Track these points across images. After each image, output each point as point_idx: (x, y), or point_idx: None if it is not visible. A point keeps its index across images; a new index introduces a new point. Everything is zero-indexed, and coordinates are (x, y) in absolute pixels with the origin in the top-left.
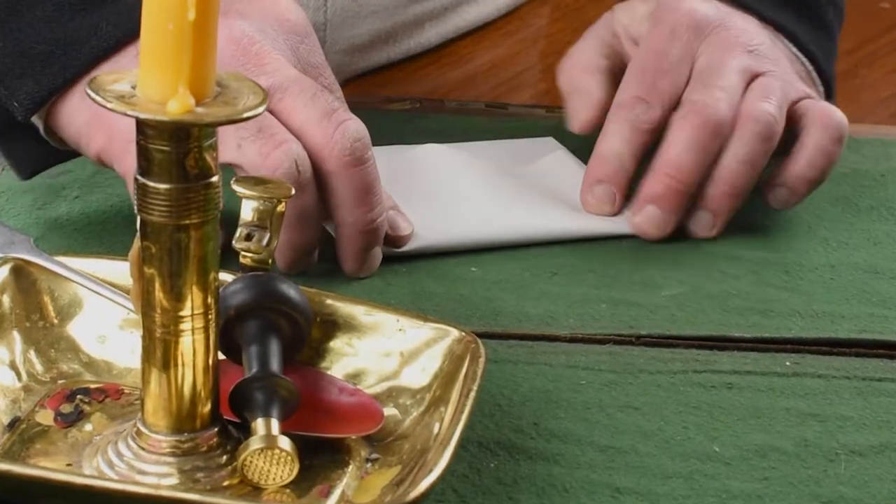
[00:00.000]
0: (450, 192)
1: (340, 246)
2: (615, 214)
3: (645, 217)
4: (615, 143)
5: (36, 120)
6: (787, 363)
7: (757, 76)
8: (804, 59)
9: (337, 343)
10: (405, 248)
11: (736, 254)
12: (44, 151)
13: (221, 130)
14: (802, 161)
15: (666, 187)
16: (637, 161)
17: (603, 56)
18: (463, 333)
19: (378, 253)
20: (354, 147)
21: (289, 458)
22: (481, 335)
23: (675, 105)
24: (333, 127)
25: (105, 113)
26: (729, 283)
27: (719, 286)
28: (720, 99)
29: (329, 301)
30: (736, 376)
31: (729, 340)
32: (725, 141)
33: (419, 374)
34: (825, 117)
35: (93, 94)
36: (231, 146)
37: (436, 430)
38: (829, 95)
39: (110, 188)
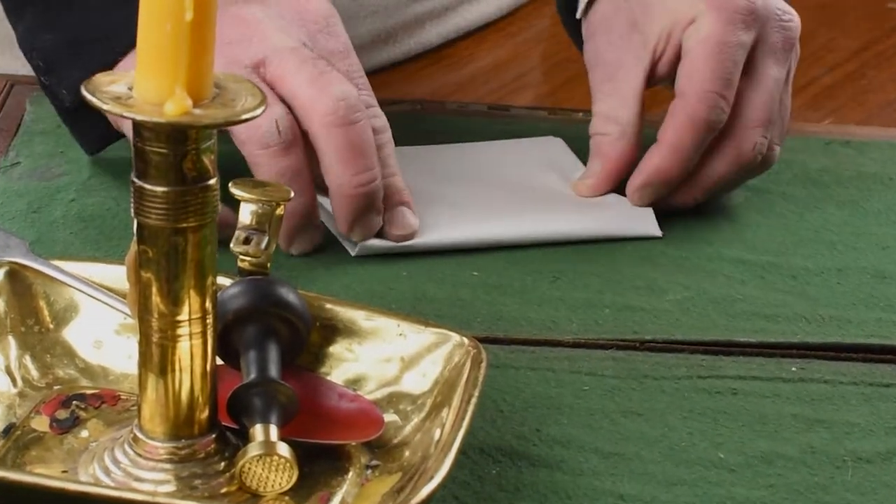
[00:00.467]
0: (459, 191)
1: (334, 210)
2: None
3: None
4: (686, 144)
5: None
6: (793, 369)
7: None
8: None
9: (337, 348)
10: (413, 243)
11: (741, 258)
12: (105, 127)
13: None
14: None
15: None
16: (695, 162)
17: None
18: (464, 338)
19: (375, 220)
20: (339, 105)
21: (288, 464)
22: (483, 340)
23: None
24: (319, 88)
25: None
26: (734, 287)
27: (724, 290)
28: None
29: (329, 305)
30: (741, 382)
31: (734, 345)
32: None
33: (420, 380)
34: None
35: (89, 96)
36: None
37: (437, 436)
38: None
39: (106, 191)
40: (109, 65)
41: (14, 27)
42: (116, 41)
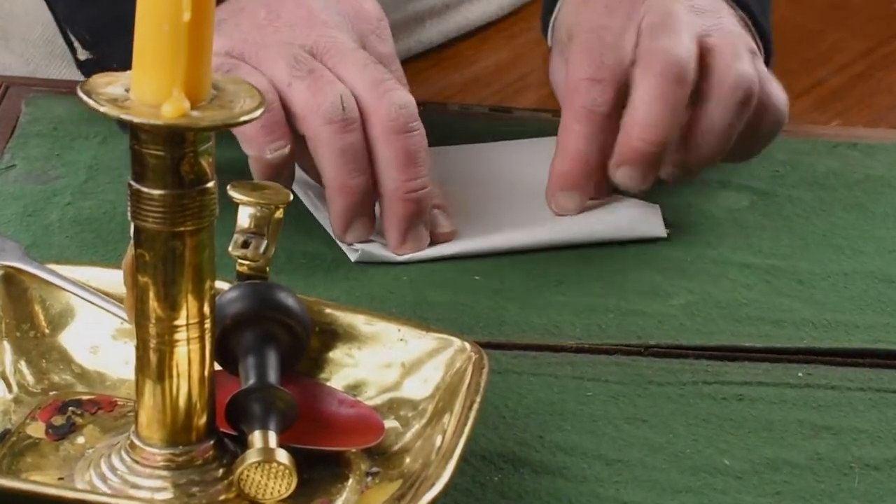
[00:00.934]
0: (461, 194)
1: (384, 216)
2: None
3: (622, 176)
4: (578, 143)
5: None
6: (800, 374)
7: (706, 35)
8: (741, 12)
9: (336, 353)
10: (416, 255)
11: (747, 262)
12: None
13: (274, 65)
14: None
15: (638, 152)
16: (604, 152)
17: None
18: (466, 343)
19: (423, 233)
20: (400, 113)
21: (287, 471)
22: (485, 345)
23: (626, 80)
24: (381, 93)
25: None
26: (740, 291)
27: (730, 295)
28: (676, 44)
29: (328, 310)
30: (747, 388)
31: (739, 351)
32: (692, 91)
33: (421, 386)
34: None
35: (85, 98)
36: (283, 82)
37: (438, 442)
38: (767, 51)
39: (103, 194)
40: None
41: (52, 7)
42: None
